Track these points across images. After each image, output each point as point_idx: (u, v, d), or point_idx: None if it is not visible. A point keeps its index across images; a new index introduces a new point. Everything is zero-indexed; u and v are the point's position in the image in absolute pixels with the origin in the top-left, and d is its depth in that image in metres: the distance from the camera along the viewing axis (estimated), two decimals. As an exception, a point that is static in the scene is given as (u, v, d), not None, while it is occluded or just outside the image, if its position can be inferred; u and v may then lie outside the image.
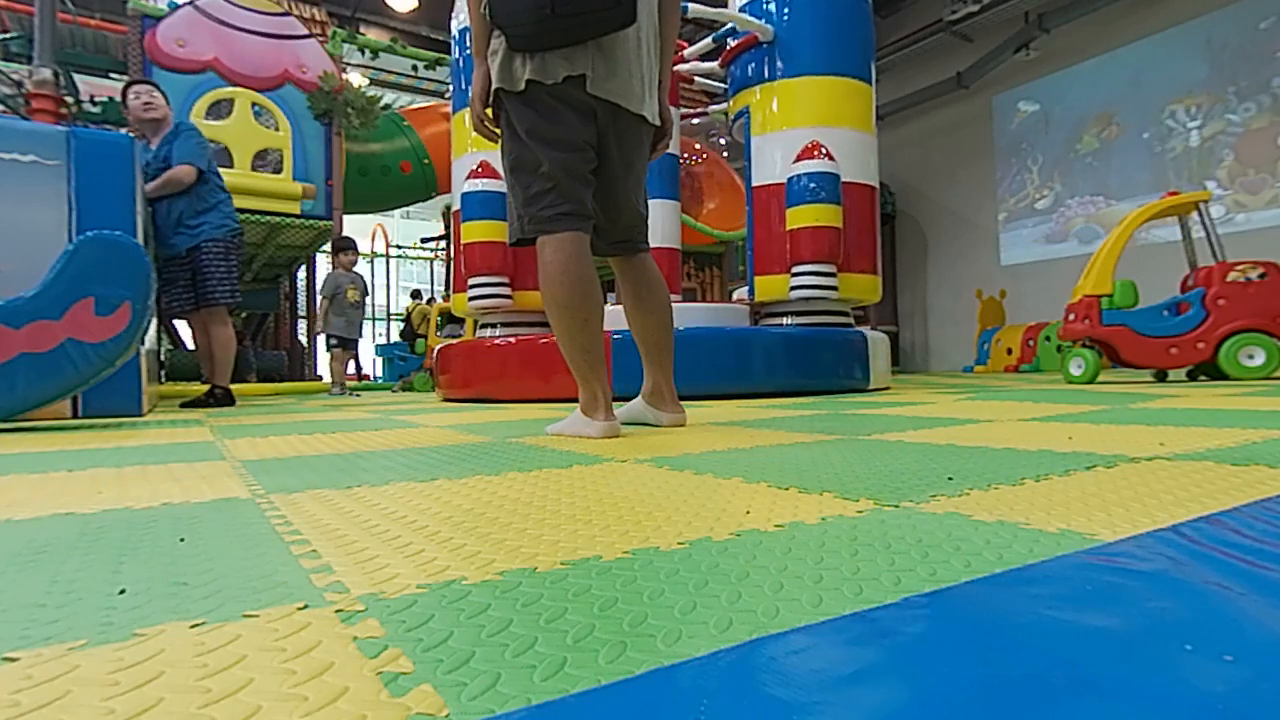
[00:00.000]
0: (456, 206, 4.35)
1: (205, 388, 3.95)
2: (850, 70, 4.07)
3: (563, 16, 1.54)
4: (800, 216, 3.90)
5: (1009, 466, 1.06)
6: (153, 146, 3.71)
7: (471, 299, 4.23)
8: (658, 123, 1.83)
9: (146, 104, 3.74)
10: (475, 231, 4.13)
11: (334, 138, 6.14)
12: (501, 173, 1.81)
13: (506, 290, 4.18)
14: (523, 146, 1.68)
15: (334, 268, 5.79)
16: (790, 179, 3.93)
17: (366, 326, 10.25)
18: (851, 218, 4.01)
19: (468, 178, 4.20)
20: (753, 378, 3.54)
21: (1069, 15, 8.33)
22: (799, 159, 3.91)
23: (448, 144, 7.72)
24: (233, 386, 4.03)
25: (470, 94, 1.77)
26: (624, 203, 1.81)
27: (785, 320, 4.12)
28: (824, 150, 3.89)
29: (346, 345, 5.85)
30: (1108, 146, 8.45)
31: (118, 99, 6.49)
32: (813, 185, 3.87)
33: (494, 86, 1.68)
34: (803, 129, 4.00)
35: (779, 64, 4.06)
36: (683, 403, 1.96)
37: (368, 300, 6.08)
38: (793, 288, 3.95)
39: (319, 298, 5.83)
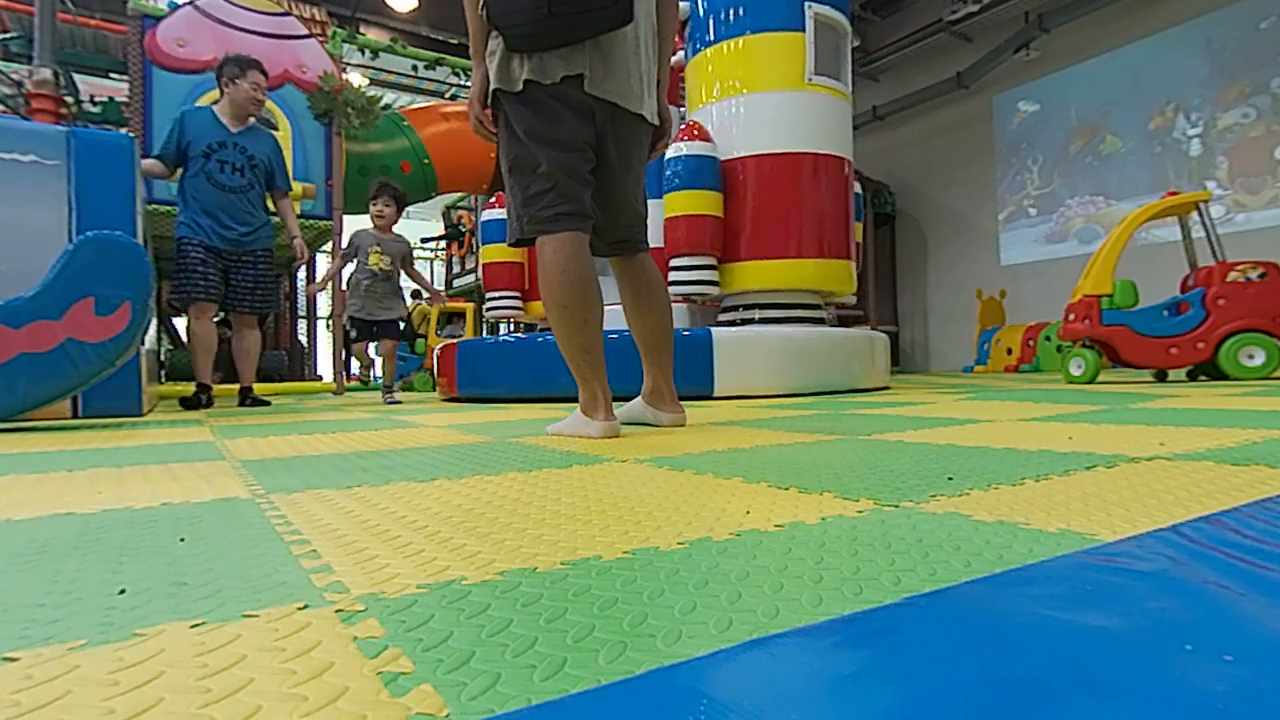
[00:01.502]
0: None
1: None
2: (771, 23, 3.62)
3: (560, 16, 1.54)
4: (672, 204, 3.70)
5: (1009, 466, 1.06)
6: (231, 129, 3.58)
7: (489, 309, 4.86)
8: (656, 122, 1.83)
9: (259, 101, 3.63)
10: (493, 253, 4.74)
11: (334, 138, 6.14)
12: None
13: (519, 302, 4.82)
14: (521, 147, 1.68)
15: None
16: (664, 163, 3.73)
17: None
18: (799, 193, 3.66)
19: (485, 207, 4.72)
20: (550, 383, 3.39)
21: (1069, 15, 8.33)
22: (674, 140, 3.68)
23: (448, 144, 7.75)
24: (226, 386, 4.04)
25: (469, 95, 1.78)
26: (623, 202, 1.81)
27: (754, 315, 3.91)
28: (700, 131, 3.68)
29: (365, 333, 4.18)
30: (1108, 146, 8.45)
31: (119, 99, 6.52)
32: (668, 172, 3.67)
33: (492, 87, 1.68)
34: (718, 103, 3.75)
35: (695, 37, 3.89)
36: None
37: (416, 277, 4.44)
38: (670, 283, 3.73)
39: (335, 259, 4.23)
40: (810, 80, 3.69)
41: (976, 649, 0.40)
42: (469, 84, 1.71)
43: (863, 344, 3.80)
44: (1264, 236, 6.97)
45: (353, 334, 4.24)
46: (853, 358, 3.69)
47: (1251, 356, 3.63)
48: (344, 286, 4.72)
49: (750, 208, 3.74)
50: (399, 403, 3.93)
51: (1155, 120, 8.04)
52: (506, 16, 1.58)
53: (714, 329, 3.43)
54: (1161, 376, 4.21)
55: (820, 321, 4.03)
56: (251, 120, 3.70)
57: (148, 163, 3.52)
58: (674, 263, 3.73)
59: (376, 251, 4.12)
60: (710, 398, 3.31)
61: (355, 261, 4.18)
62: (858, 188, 4.50)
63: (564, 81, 1.62)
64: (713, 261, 3.73)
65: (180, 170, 3.56)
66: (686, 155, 3.67)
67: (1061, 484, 0.91)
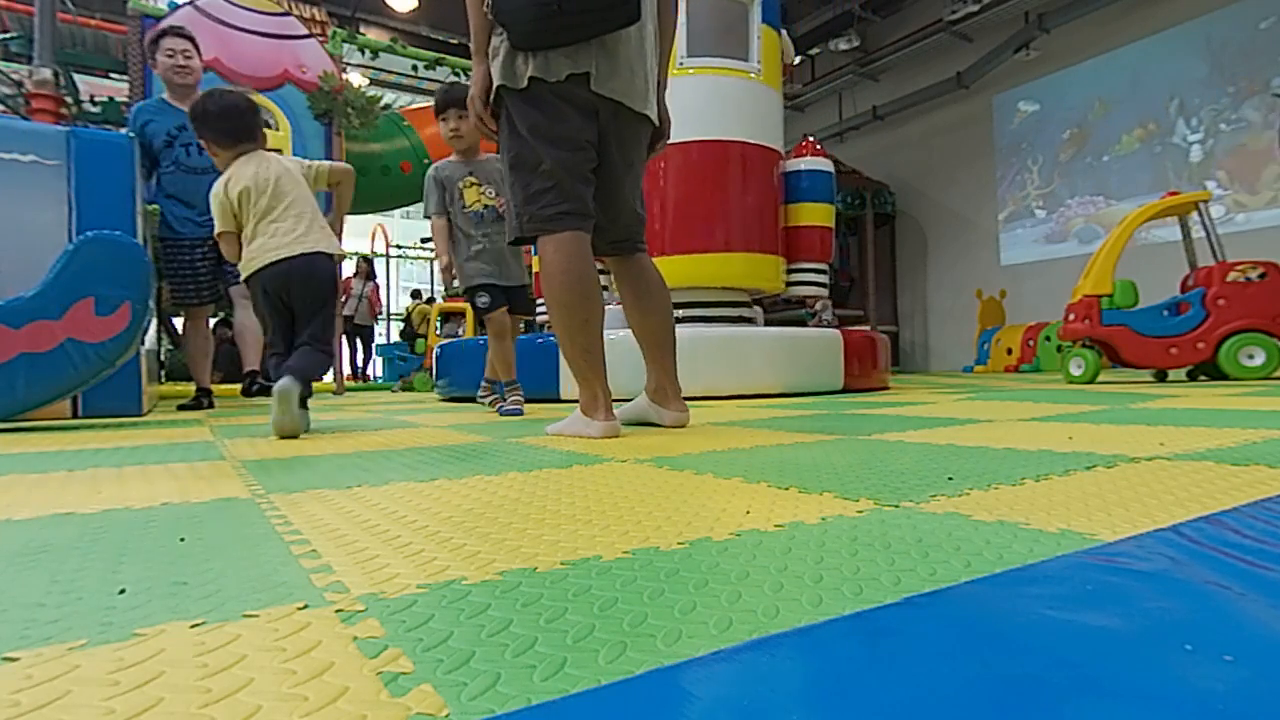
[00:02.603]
0: None
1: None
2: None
3: (568, 14, 1.54)
4: None
5: (1009, 466, 1.06)
6: (183, 108, 3.33)
7: (540, 315, 4.73)
8: (658, 122, 1.83)
9: (181, 67, 3.33)
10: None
11: (334, 138, 6.13)
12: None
13: None
14: (523, 144, 1.67)
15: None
16: None
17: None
18: (718, 184, 3.50)
19: None
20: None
21: (1069, 15, 8.33)
22: None
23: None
24: (226, 386, 3.99)
25: (469, 92, 1.77)
26: (623, 202, 1.81)
27: (678, 313, 3.77)
28: None
29: (501, 299, 2.75)
30: (1110, 147, 8.45)
31: (119, 99, 6.50)
32: None
33: (496, 84, 1.68)
34: None
35: None
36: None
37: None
38: None
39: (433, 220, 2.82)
40: (681, 64, 3.50)
41: (976, 649, 0.40)
42: (469, 83, 1.70)
43: (759, 344, 3.41)
44: (1264, 236, 6.97)
45: (483, 301, 2.74)
46: (740, 358, 3.37)
47: (1251, 356, 3.63)
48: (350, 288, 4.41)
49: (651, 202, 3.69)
50: (520, 411, 2.62)
51: (1155, 120, 8.04)
52: (513, 14, 1.58)
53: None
54: (1161, 376, 4.21)
55: (750, 320, 3.88)
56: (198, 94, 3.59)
57: None
58: None
59: (472, 183, 2.76)
60: (558, 400, 3.42)
61: (449, 212, 2.80)
62: (826, 167, 4.27)
63: (569, 79, 1.62)
64: None
65: (155, 172, 3.41)
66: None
67: (1061, 484, 0.91)
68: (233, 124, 2.16)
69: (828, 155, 4.39)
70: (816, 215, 4.23)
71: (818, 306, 7.15)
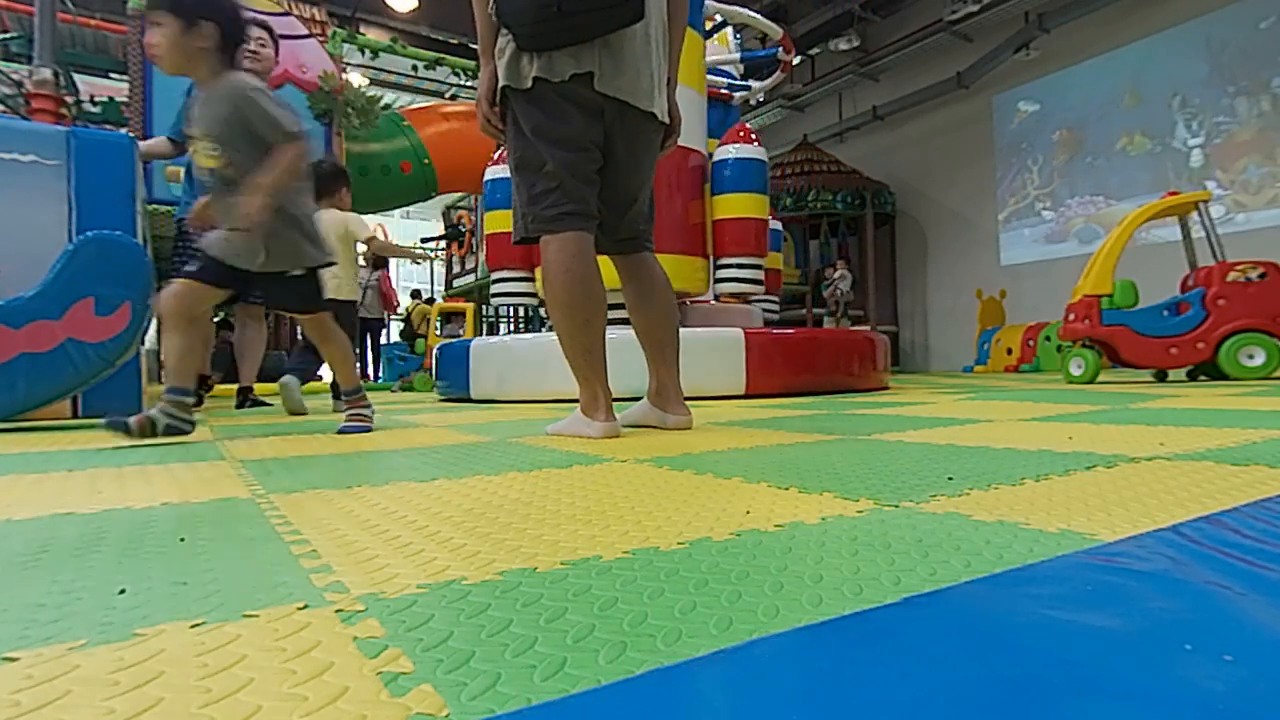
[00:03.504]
0: None
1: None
2: None
3: (570, 14, 1.54)
4: (492, 223, 4.25)
5: (1009, 466, 1.06)
6: None
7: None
8: (667, 120, 1.82)
9: (252, 52, 3.23)
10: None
11: (334, 138, 6.14)
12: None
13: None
14: (527, 145, 1.67)
15: None
16: None
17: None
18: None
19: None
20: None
21: (1069, 15, 8.33)
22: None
23: (448, 144, 7.74)
24: (226, 386, 4.00)
25: (477, 94, 1.78)
26: (630, 201, 1.80)
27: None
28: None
29: (215, 276, 1.95)
30: (1109, 148, 8.46)
31: (119, 99, 6.50)
32: (500, 195, 4.16)
33: (500, 84, 1.68)
34: None
35: None
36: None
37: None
38: (494, 294, 4.26)
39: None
40: None
41: (976, 649, 0.40)
42: (469, 84, 1.70)
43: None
44: (1264, 236, 6.97)
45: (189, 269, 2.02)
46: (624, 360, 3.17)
47: (1251, 356, 3.63)
48: None
49: None
50: (367, 421, 2.09)
51: (1155, 120, 8.04)
52: (516, 15, 1.58)
53: (474, 340, 3.86)
54: (1161, 376, 4.21)
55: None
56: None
57: (150, 142, 3.37)
58: (495, 275, 4.22)
59: (193, 137, 1.91)
60: (469, 400, 3.77)
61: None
62: (757, 155, 4.02)
63: (573, 79, 1.62)
64: (524, 273, 4.18)
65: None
66: (493, 179, 4.15)
67: (1061, 484, 0.91)
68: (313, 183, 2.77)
69: (759, 142, 4.09)
70: (745, 207, 3.94)
71: (838, 290, 6.89)
